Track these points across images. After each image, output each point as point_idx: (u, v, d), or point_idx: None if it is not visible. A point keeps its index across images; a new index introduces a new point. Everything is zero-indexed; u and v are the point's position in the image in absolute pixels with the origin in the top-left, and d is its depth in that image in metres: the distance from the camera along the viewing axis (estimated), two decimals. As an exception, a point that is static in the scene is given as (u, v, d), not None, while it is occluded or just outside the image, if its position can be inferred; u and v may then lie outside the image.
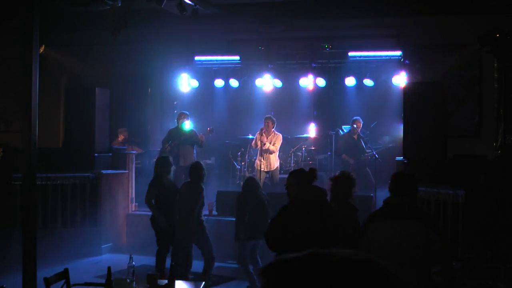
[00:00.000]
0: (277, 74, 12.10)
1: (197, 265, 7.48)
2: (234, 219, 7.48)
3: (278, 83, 12.13)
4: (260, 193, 7.31)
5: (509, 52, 8.54)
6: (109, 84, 11.33)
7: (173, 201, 7.41)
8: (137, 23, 9.95)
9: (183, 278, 6.97)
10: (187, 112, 10.66)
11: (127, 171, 10.47)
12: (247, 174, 10.74)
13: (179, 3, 9.25)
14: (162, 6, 9.05)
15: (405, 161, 8.63)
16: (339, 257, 1.10)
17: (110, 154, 10.42)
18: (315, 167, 5.66)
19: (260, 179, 9.68)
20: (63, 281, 5.00)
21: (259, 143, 10.19)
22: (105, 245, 9.74)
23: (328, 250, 1.12)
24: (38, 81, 6.18)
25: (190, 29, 11.28)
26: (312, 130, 11.84)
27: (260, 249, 7.06)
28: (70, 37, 12.12)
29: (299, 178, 5.08)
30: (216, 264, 7.55)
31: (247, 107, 12.36)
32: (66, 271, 5.07)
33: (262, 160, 10.25)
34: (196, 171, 7.27)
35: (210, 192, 9.48)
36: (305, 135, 11.65)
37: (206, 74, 12.52)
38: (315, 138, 11.83)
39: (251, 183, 7.34)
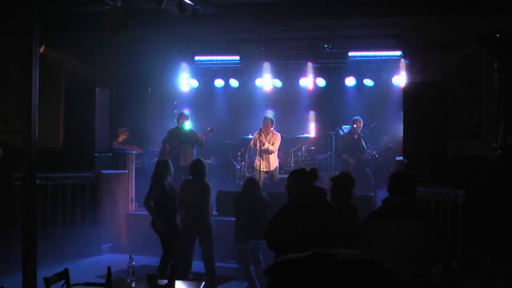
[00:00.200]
0: (277, 74, 12.10)
1: (198, 265, 7.47)
2: (234, 219, 7.48)
3: (278, 83, 12.13)
4: (260, 194, 7.30)
5: (509, 52, 8.54)
6: (109, 84, 11.34)
7: (173, 203, 7.40)
8: (137, 23, 9.95)
9: (184, 278, 6.97)
10: (187, 112, 10.66)
11: (127, 171, 10.47)
12: (247, 174, 10.74)
13: (179, 3, 9.25)
14: (162, 6, 9.05)
15: (405, 161, 8.63)
16: (343, 257, 1.10)
17: (110, 154, 10.42)
18: (316, 167, 5.64)
19: (259, 179, 9.68)
20: (63, 281, 5.00)
21: (258, 143, 10.19)
22: (105, 245, 9.74)
23: (331, 250, 1.13)
24: (38, 81, 6.18)
25: (190, 29, 11.27)
26: (312, 130, 11.84)
27: (263, 249, 7.05)
28: (70, 37, 12.13)
29: (299, 178, 5.08)
30: (216, 264, 7.53)
31: (247, 107, 12.36)
32: (66, 271, 5.07)
33: (261, 160, 10.25)
34: (198, 168, 7.25)
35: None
36: (305, 135, 11.64)
37: (206, 74, 12.52)
38: (315, 138, 11.84)
39: (250, 184, 7.34)
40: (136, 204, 10.53)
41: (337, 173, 5.88)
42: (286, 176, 5.68)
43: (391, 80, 11.28)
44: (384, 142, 11.46)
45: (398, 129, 10.41)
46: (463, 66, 10.92)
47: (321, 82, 11.84)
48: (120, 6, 8.91)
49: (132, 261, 4.96)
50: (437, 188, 7.82)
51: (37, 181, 7.60)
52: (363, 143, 10.70)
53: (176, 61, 12.37)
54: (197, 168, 7.26)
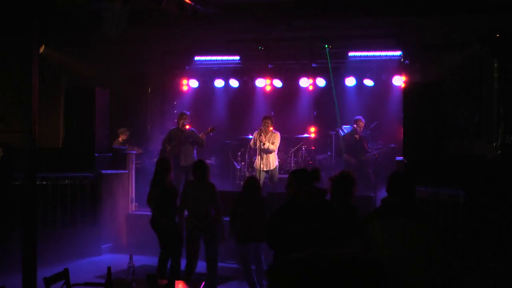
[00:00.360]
0: (277, 74, 12.10)
1: (199, 265, 7.46)
2: (226, 219, 7.47)
3: (278, 83, 12.14)
4: (259, 194, 7.28)
5: (509, 52, 8.55)
6: (109, 84, 11.34)
7: (174, 202, 7.39)
8: (137, 23, 9.95)
9: (187, 278, 6.96)
10: (188, 112, 10.66)
11: (127, 171, 10.47)
12: (247, 174, 10.75)
13: (179, 3, 9.25)
14: (162, 5, 9.05)
15: (405, 161, 8.63)
16: (343, 256, 1.10)
17: (110, 154, 10.42)
18: (318, 167, 5.63)
19: (259, 178, 9.68)
20: (63, 281, 5.00)
21: (258, 142, 10.19)
22: (105, 245, 9.74)
23: (331, 249, 1.13)
24: (38, 81, 6.18)
25: (190, 29, 11.28)
26: (312, 130, 11.84)
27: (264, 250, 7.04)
28: (70, 37, 12.12)
29: (299, 177, 5.08)
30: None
31: (247, 107, 12.37)
32: (66, 271, 5.07)
33: (261, 159, 10.25)
34: (200, 169, 7.24)
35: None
36: (305, 135, 11.65)
37: (206, 74, 12.53)
38: (315, 138, 11.84)
39: (250, 183, 7.31)
40: (136, 204, 10.53)
41: (337, 173, 5.88)
42: (286, 176, 5.68)
43: (391, 80, 11.28)
44: (384, 142, 11.46)
45: (398, 129, 10.43)
46: (463, 66, 10.92)
47: (321, 82, 11.85)
48: (120, 6, 8.91)
49: (132, 261, 4.96)
50: (437, 188, 7.82)
51: (37, 181, 7.60)
52: (365, 143, 10.67)
53: (176, 61, 12.37)
54: (199, 168, 7.25)
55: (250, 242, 7.03)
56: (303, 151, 11.30)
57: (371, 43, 11.52)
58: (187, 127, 10.45)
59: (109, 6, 8.91)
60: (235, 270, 8.38)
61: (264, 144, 10.15)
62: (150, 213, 7.67)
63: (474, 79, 11.00)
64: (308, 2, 10.83)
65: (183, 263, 7.23)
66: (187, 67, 12.46)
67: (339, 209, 5.10)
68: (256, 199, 7.13)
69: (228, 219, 7.28)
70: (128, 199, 10.45)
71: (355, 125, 10.67)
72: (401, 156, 9.01)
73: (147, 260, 8.27)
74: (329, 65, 11.51)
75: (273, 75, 12.06)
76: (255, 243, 7.00)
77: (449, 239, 7.46)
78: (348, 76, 11.59)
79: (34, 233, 6.24)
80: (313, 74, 11.84)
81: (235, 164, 11.46)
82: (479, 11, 10.40)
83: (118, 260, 8.42)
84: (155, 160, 9.82)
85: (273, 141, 10.24)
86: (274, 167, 10.34)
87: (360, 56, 11.46)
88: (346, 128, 11.34)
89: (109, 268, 4.72)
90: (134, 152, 11.04)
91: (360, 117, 10.72)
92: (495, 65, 8.98)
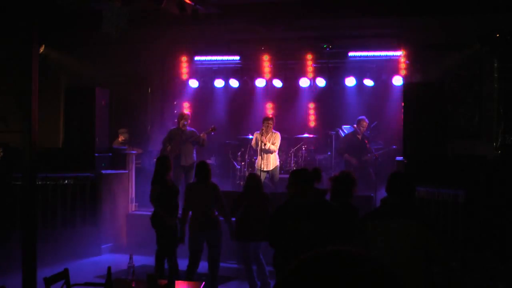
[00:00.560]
0: (277, 74, 12.10)
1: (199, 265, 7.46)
2: (233, 219, 7.47)
3: (278, 83, 12.13)
4: (262, 191, 7.27)
5: (509, 52, 8.55)
6: (109, 84, 11.33)
7: (175, 200, 7.39)
8: (137, 23, 9.95)
9: (188, 278, 6.96)
10: (188, 112, 10.66)
11: (127, 171, 10.47)
12: (247, 174, 10.74)
13: (179, 3, 9.25)
14: (162, 6, 9.04)
15: (405, 161, 8.63)
16: (343, 257, 1.10)
17: (110, 154, 10.42)
18: (319, 167, 5.61)
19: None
20: (63, 281, 5.00)
21: (259, 143, 10.20)
22: (105, 245, 9.74)
23: (335, 248, 1.13)
24: (38, 81, 6.18)
25: (190, 29, 11.27)
26: (312, 130, 11.84)
27: (264, 250, 7.04)
28: (70, 37, 12.11)
29: (298, 178, 5.08)
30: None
31: (247, 107, 12.36)
32: (66, 271, 5.07)
33: (262, 159, 10.25)
34: (203, 170, 7.22)
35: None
36: (305, 135, 11.64)
37: (206, 74, 12.53)
38: (315, 138, 11.83)
39: (252, 182, 7.29)
40: (136, 204, 10.53)
41: (337, 173, 5.88)
42: (287, 176, 5.68)
43: (391, 80, 11.28)
44: (384, 142, 11.46)
45: (398, 129, 10.43)
46: (463, 66, 10.91)
47: (321, 82, 11.85)
48: (120, 6, 8.90)
49: (132, 261, 4.96)
50: (437, 188, 7.82)
51: (37, 181, 7.60)
52: (367, 143, 10.64)
53: (176, 61, 12.37)
54: (201, 170, 7.24)
55: (251, 241, 7.03)
56: (303, 151, 11.30)
57: (371, 43, 11.52)
58: (188, 127, 10.45)
59: (109, 6, 8.90)
60: (235, 270, 8.38)
61: (265, 144, 10.15)
62: (150, 213, 7.68)
63: (474, 79, 10.99)
64: (308, 2, 10.82)
65: (184, 263, 7.22)
66: (187, 67, 12.46)
67: (339, 209, 5.11)
68: (259, 197, 7.13)
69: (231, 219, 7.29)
70: (128, 199, 10.45)
71: (357, 126, 10.64)
72: (401, 156, 9.01)
73: (147, 260, 8.26)
74: (329, 65, 11.52)
75: (273, 75, 12.05)
76: (255, 241, 7.00)
77: (449, 239, 7.46)
78: (348, 76, 11.58)
79: (34, 233, 6.25)
80: (313, 74, 11.84)
81: (235, 164, 11.46)
82: (479, 11, 10.39)
83: (118, 260, 8.42)
84: (155, 159, 9.82)
85: (273, 141, 10.24)
86: (275, 167, 10.34)
87: (360, 56, 11.45)
88: (346, 128, 11.33)
89: (109, 268, 4.72)
90: (134, 152, 11.04)
91: (363, 117, 10.69)
92: (495, 65, 8.98)
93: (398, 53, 11.22)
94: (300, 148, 11.34)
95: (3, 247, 8.65)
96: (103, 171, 9.86)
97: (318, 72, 11.85)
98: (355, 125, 10.73)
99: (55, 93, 12.54)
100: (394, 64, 11.29)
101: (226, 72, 12.35)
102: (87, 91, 10.18)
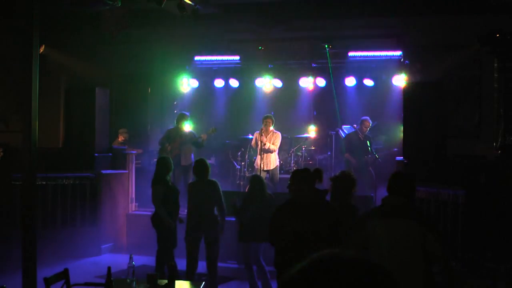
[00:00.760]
0: (277, 74, 12.10)
1: (199, 265, 7.46)
2: (234, 219, 7.46)
3: (278, 83, 12.14)
4: (266, 193, 7.26)
5: (509, 52, 8.55)
6: (109, 84, 11.34)
7: (175, 200, 7.38)
8: (137, 23, 9.95)
9: (188, 278, 6.96)
10: (187, 113, 10.66)
11: (127, 171, 10.47)
12: (247, 174, 10.75)
13: (179, 3, 9.25)
14: (162, 6, 9.04)
15: (405, 161, 8.63)
16: (347, 260, 1.10)
17: (110, 154, 10.42)
18: (320, 167, 5.60)
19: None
20: (63, 281, 5.00)
21: (259, 143, 10.20)
22: (105, 245, 9.75)
23: (334, 252, 1.13)
24: (38, 81, 6.18)
25: (190, 29, 11.27)
26: (312, 130, 11.84)
27: (264, 251, 7.04)
28: (70, 37, 12.11)
29: (299, 178, 5.08)
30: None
31: (247, 107, 12.37)
32: (66, 271, 5.07)
33: (262, 159, 10.25)
34: (201, 168, 7.22)
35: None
36: (305, 135, 11.65)
37: (206, 74, 12.53)
38: (315, 138, 11.83)
39: (256, 182, 7.27)
40: (136, 204, 10.53)
41: (337, 173, 5.88)
42: (287, 176, 5.68)
43: (391, 80, 11.28)
44: (382, 142, 11.46)
45: (398, 129, 10.43)
46: (463, 66, 10.91)
47: (321, 82, 11.85)
48: (120, 7, 8.91)
49: (132, 261, 4.96)
50: (437, 188, 7.82)
51: (37, 181, 7.60)
52: (368, 144, 10.62)
53: (176, 61, 12.37)
54: (200, 167, 7.24)
55: (252, 242, 7.02)
56: (303, 151, 11.30)
57: (371, 43, 11.51)
58: (187, 127, 10.46)
59: (109, 6, 8.91)
60: (235, 270, 8.38)
61: (264, 144, 10.15)
62: (150, 213, 7.67)
63: (474, 79, 10.99)
64: (308, 2, 10.82)
65: (183, 263, 7.22)
66: (187, 67, 12.46)
67: (339, 209, 5.11)
68: (264, 198, 7.12)
69: (228, 219, 7.27)
70: (128, 199, 10.45)
71: (360, 126, 10.60)
72: (401, 156, 9.01)
73: (147, 260, 8.26)
74: (329, 65, 11.51)
75: (273, 75, 12.05)
76: (256, 242, 7.00)
77: (449, 239, 7.46)
78: (348, 76, 11.58)
79: (34, 233, 6.24)
80: (313, 74, 11.84)
81: (235, 164, 11.46)
82: (479, 11, 10.39)
83: (118, 260, 8.42)
84: (155, 160, 9.83)
85: (274, 141, 10.24)
86: (275, 167, 10.34)
87: (360, 56, 11.46)
88: (346, 128, 11.33)
89: (109, 268, 4.72)
90: (134, 152, 11.04)
91: (367, 117, 10.68)
92: (495, 65, 8.98)
93: (398, 53, 11.22)
94: (300, 148, 11.34)
95: (3, 247, 8.65)
96: (103, 171, 9.86)
97: (318, 72, 11.85)
98: (355, 125, 10.73)
99: (55, 93, 12.53)
100: (394, 64, 11.29)
101: (226, 72, 12.35)
102: (87, 91, 10.18)
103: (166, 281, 5.00)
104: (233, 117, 12.43)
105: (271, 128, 10.32)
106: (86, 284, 5.30)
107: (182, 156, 10.16)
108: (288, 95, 12.30)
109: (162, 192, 7.30)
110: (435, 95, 8.77)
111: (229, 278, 8.15)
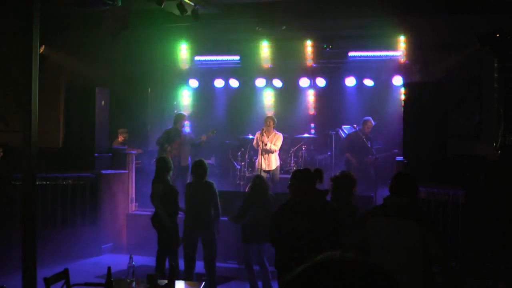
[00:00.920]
0: (277, 74, 12.10)
1: (197, 265, 7.46)
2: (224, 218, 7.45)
3: (278, 83, 12.13)
4: (268, 193, 7.25)
5: (509, 52, 8.55)
6: (109, 84, 11.33)
7: (174, 200, 7.38)
8: (137, 23, 9.94)
9: (187, 278, 6.95)
10: (186, 113, 10.66)
11: (127, 171, 10.47)
12: (247, 174, 10.75)
13: (179, 3, 9.24)
14: (162, 6, 9.04)
15: (405, 161, 8.63)
16: (348, 263, 1.10)
17: (110, 154, 10.42)
18: (321, 168, 5.60)
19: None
20: (63, 281, 5.00)
21: (260, 143, 10.20)
22: (105, 245, 9.74)
23: (335, 254, 1.13)
24: (38, 81, 6.18)
25: (190, 29, 11.27)
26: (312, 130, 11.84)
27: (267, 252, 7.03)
28: (70, 37, 12.10)
29: (299, 178, 5.08)
30: (216, 264, 7.50)
31: (247, 107, 12.36)
32: (66, 271, 5.07)
33: (262, 159, 10.25)
34: (199, 168, 7.22)
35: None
36: (305, 135, 11.64)
37: (206, 74, 12.53)
38: (315, 138, 11.83)
39: (259, 183, 7.26)
40: (136, 204, 10.53)
41: (337, 173, 5.88)
42: (287, 176, 5.68)
43: (391, 80, 11.28)
44: (384, 142, 11.45)
45: (398, 129, 10.42)
46: (463, 66, 10.90)
47: (321, 82, 11.84)
48: (120, 6, 8.90)
49: (132, 261, 4.96)
50: (437, 188, 7.82)
51: (37, 181, 7.60)
52: (370, 144, 10.61)
53: (176, 61, 12.36)
54: (198, 168, 7.24)
55: (255, 243, 7.02)
56: (303, 151, 11.30)
57: (371, 43, 11.51)
58: (186, 128, 10.47)
59: (109, 6, 8.90)
60: (235, 270, 8.38)
61: (265, 144, 10.15)
62: (150, 213, 7.68)
63: (474, 79, 10.99)
64: (309, 2, 10.82)
65: (182, 263, 7.22)
66: (187, 67, 12.46)
67: (339, 209, 5.11)
68: (266, 200, 7.11)
69: (225, 218, 7.28)
70: (128, 199, 10.45)
71: (362, 126, 10.60)
72: (401, 156, 9.01)
73: (147, 260, 8.26)
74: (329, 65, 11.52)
75: (273, 75, 12.05)
76: (259, 243, 6.99)
77: (449, 239, 7.46)
78: (348, 76, 11.58)
79: (34, 233, 6.24)
80: (313, 74, 11.84)
81: (235, 164, 11.46)
82: (479, 11, 10.38)
83: (118, 260, 8.42)
84: (155, 160, 9.83)
85: (275, 142, 10.24)
86: (275, 167, 10.34)
87: (360, 56, 11.46)
88: (346, 128, 11.32)
89: (109, 268, 4.72)
90: (134, 152, 11.04)
91: (369, 118, 10.68)
92: (495, 65, 8.98)
93: (398, 53, 11.22)
94: (300, 148, 11.34)
95: (3, 247, 8.65)
96: (103, 171, 9.86)
97: (318, 72, 11.85)
98: (355, 125, 10.72)
99: (55, 93, 12.52)
100: (394, 64, 11.29)
101: (226, 72, 12.35)
102: (87, 91, 10.18)
103: (166, 281, 4.99)
104: (233, 117, 12.43)
105: (273, 128, 10.32)
106: (86, 284, 5.30)
107: (182, 157, 10.17)
108: (288, 95, 12.30)
109: (161, 190, 7.31)
110: (435, 95, 8.77)
111: (229, 278, 8.15)
